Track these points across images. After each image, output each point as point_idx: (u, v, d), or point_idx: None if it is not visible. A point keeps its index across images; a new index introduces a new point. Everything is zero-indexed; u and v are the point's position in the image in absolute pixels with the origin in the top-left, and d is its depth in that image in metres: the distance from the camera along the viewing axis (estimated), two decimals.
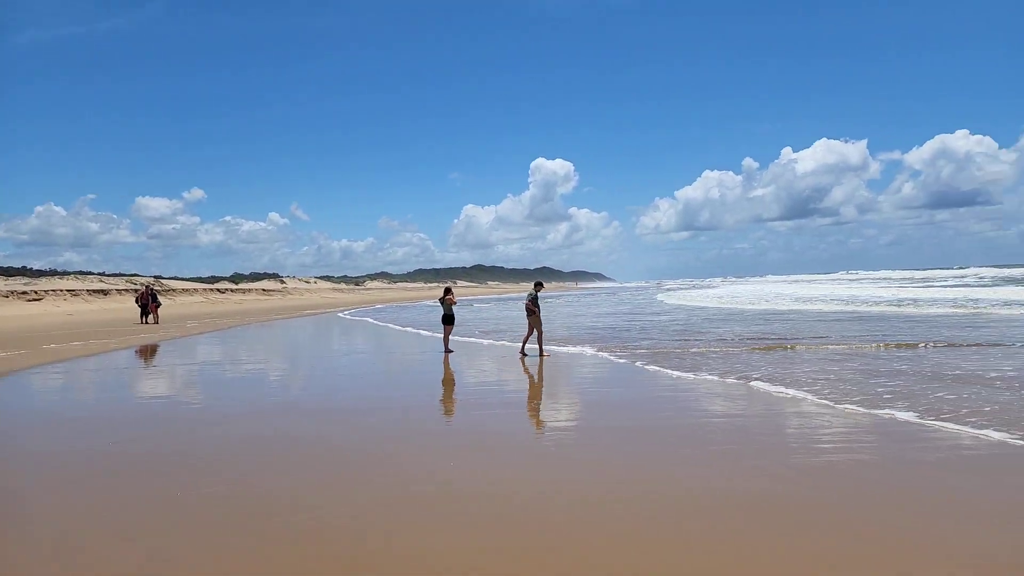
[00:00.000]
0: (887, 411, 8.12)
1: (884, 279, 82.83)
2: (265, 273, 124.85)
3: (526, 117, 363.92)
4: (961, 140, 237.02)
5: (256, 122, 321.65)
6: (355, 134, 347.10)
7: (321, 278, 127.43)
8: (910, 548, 4.24)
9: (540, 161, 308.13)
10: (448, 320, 17.47)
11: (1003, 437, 6.78)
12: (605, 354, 15.27)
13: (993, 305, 26.57)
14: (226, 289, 72.12)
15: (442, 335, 17.57)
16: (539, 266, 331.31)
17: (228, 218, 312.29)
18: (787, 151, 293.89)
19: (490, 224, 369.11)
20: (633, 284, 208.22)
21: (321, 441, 7.58)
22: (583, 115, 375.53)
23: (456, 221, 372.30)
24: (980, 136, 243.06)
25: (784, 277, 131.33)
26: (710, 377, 11.24)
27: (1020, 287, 42.48)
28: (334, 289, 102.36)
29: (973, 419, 7.49)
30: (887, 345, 14.70)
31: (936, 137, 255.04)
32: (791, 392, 9.63)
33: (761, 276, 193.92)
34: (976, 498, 5.15)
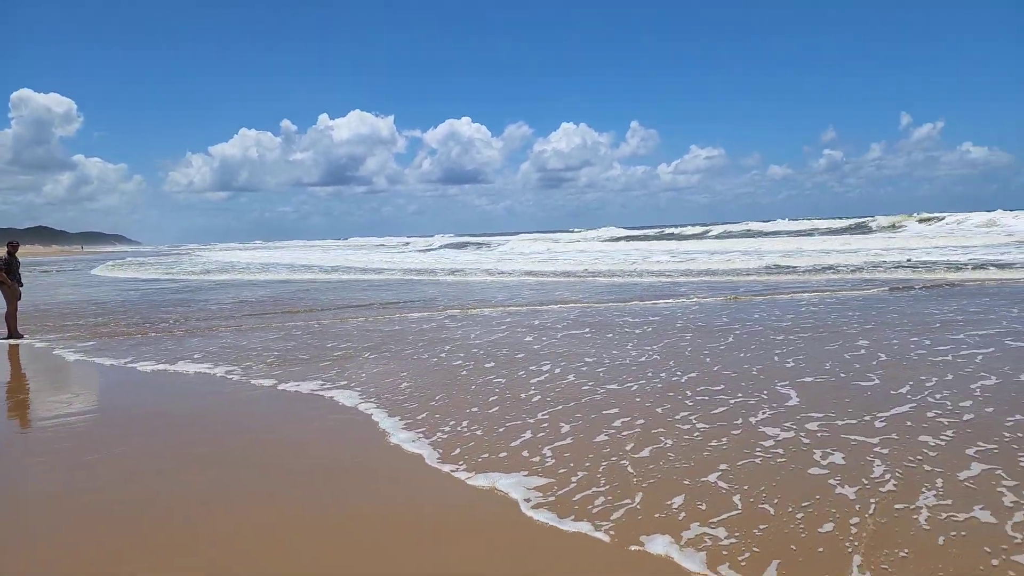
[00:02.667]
0: (292, 384, 9.36)
1: (405, 245, 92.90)
2: None
3: None
4: (466, 126, 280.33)
5: None
6: None
7: None
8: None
9: (26, 93, 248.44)
10: None
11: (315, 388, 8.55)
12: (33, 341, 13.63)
13: (446, 272, 32.60)
14: None
15: None
16: (34, 225, 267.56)
17: None
18: (324, 118, 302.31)
19: None
20: (150, 247, 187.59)
21: None
22: (86, 46, 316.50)
23: None
24: (479, 124, 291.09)
25: (307, 242, 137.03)
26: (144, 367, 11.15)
27: (462, 251, 53.39)
28: None
29: (326, 374, 9.18)
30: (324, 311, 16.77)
31: (447, 121, 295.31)
32: (205, 368, 10.39)
33: (289, 241, 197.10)
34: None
